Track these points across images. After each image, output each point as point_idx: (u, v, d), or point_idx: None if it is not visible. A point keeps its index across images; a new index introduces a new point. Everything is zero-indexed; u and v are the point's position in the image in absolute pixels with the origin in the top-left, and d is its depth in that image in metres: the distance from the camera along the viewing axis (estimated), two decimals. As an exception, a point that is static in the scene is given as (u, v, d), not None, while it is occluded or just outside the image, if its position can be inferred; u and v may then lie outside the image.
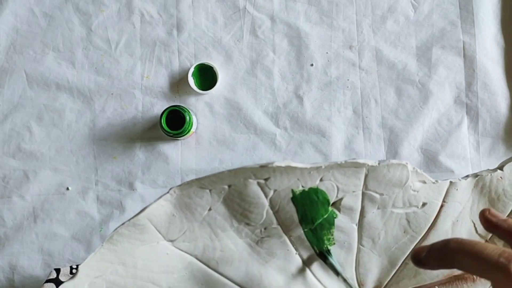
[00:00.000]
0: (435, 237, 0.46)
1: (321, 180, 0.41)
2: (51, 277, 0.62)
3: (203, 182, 0.40)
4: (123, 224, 0.40)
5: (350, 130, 0.70)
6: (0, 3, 0.70)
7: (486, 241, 0.49)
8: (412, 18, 0.71)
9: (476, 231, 0.48)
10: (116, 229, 0.40)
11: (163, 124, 0.65)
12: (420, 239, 0.46)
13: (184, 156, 0.69)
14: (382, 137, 0.70)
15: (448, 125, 0.70)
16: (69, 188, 0.69)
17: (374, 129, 0.70)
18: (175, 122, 0.65)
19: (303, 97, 0.70)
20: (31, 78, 0.70)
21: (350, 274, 0.47)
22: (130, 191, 0.69)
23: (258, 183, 0.41)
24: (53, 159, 0.69)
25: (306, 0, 0.71)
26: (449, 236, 0.47)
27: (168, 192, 0.41)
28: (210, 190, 0.41)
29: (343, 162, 0.40)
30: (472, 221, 0.47)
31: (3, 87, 0.70)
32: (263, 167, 0.39)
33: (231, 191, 0.41)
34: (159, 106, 0.70)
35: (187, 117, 0.64)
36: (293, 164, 0.39)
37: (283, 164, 0.39)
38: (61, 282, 0.62)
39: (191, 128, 0.66)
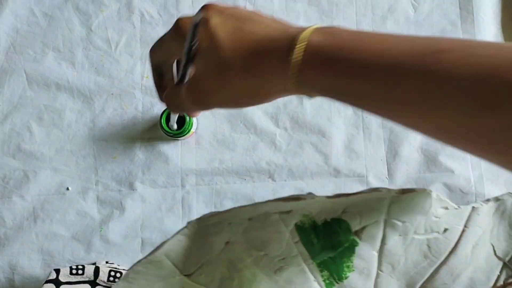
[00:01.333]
0: (455, 261, 0.46)
1: (343, 211, 0.41)
2: (51, 277, 0.62)
3: (223, 216, 0.39)
4: (139, 261, 0.39)
5: (350, 130, 0.70)
6: (0, 3, 0.70)
7: (504, 263, 0.48)
8: (412, 18, 0.71)
9: (495, 254, 0.48)
10: (132, 267, 0.39)
11: (163, 124, 0.64)
12: (440, 264, 0.46)
13: (184, 156, 0.69)
14: (382, 137, 0.70)
15: (448, 125, 0.70)
16: (69, 188, 0.69)
17: (374, 129, 0.70)
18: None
19: (303, 97, 0.70)
20: (31, 78, 0.70)
21: None
22: (130, 191, 0.69)
23: (280, 216, 0.40)
24: (53, 159, 0.69)
25: (306, 0, 0.71)
26: (468, 260, 0.47)
27: (186, 227, 0.40)
28: (229, 223, 0.40)
29: (366, 192, 0.39)
30: (492, 244, 0.47)
31: (3, 87, 0.70)
32: (286, 201, 0.38)
33: (252, 224, 0.40)
34: (159, 106, 0.70)
35: (187, 117, 0.64)
36: (318, 197, 0.38)
37: (307, 197, 0.38)
38: (61, 283, 0.62)
39: (191, 128, 0.66)
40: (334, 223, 0.41)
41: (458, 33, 0.70)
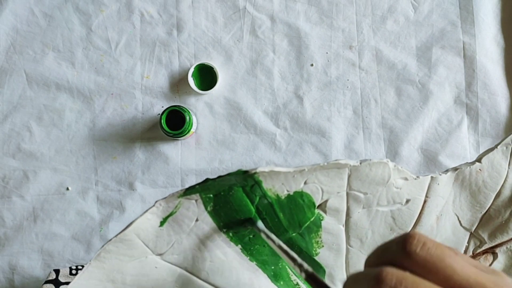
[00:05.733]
0: (422, 233, 0.47)
1: (305, 183, 0.41)
2: (50, 278, 0.62)
3: (188, 194, 0.40)
4: (110, 240, 0.40)
5: (350, 130, 0.70)
6: (0, 3, 0.70)
7: (471, 233, 0.49)
8: (412, 18, 0.71)
9: (460, 224, 0.48)
10: (103, 246, 0.40)
11: (163, 124, 0.64)
12: None
13: (184, 156, 0.69)
14: (382, 137, 0.70)
15: (448, 125, 0.70)
16: (69, 188, 0.69)
17: (374, 129, 0.70)
18: (175, 122, 0.65)
19: (303, 97, 0.70)
20: (31, 78, 0.70)
21: (340, 275, 0.47)
22: (130, 191, 0.69)
23: (244, 190, 0.41)
24: (53, 159, 0.69)
25: (306, 0, 0.71)
26: (434, 231, 0.47)
27: (154, 205, 0.40)
28: (196, 201, 0.41)
29: (325, 164, 0.40)
30: (456, 215, 0.48)
31: (3, 87, 0.70)
32: (246, 173, 0.39)
33: (217, 200, 0.41)
34: (159, 106, 0.70)
35: (187, 117, 0.64)
36: (277, 169, 0.39)
37: (266, 169, 0.39)
38: (61, 283, 0.62)
39: (191, 128, 0.66)
40: (297, 195, 0.42)
41: (458, 33, 0.70)
